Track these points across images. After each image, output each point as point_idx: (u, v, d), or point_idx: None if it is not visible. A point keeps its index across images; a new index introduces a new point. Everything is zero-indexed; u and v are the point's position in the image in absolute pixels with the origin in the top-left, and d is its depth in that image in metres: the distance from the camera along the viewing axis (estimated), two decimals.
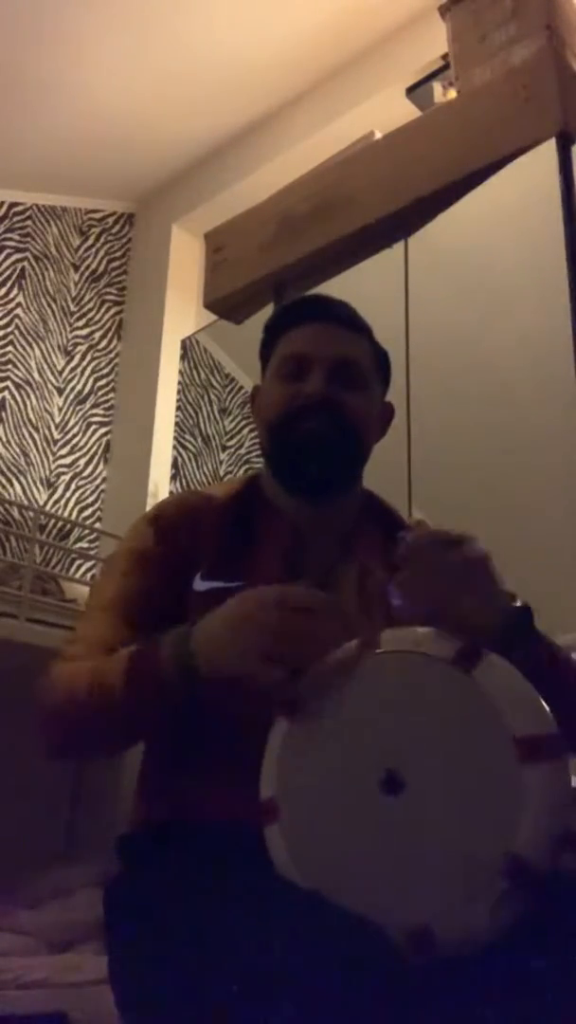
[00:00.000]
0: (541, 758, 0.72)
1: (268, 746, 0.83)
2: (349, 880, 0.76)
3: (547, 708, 0.76)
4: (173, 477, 3.44)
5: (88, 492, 3.53)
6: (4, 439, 3.31)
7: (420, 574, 0.84)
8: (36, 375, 3.48)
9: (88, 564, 3.32)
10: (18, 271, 3.51)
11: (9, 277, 3.48)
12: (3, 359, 3.39)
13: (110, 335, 3.78)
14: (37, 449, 3.41)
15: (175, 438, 3.48)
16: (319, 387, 1.05)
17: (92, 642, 0.98)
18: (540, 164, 2.13)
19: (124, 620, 0.99)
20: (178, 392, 3.57)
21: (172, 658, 0.86)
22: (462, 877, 0.71)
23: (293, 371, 1.07)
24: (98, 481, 3.57)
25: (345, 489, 1.11)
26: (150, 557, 1.04)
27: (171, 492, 3.34)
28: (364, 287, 2.46)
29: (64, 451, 3.50)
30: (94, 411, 3.63)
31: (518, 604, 0.88)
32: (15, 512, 3.24)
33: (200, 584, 1.01)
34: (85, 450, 3.56)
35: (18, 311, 3.48)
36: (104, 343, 3.75)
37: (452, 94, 2.54)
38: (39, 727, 0.95)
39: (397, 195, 2.38)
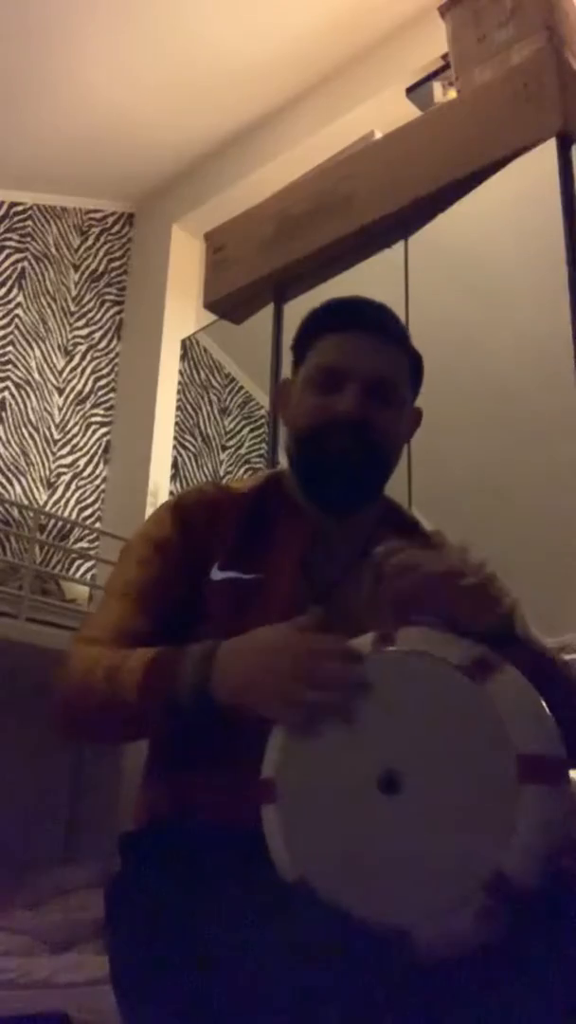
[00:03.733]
0: (542, 779, 0.71)
1: (273, 728, 0.83)
2: (337, 871, 0.76)
3: (558, 730, 0.74)
4: (173, 477, 3.44)
5: (88, 492, 3.53)
6: (4, 439, 3.31)
7: (397, 590, 0.83)
8: (36, 375, 3.48)
9: (88, 564, 3.32)
10: (18, 271, 3.51)
11: (9, 277, 3.48)
12: (3, 359, 3.39)
13: (110, 335, 3.78)
14: (37, 449, 3.41)
15: (175, 438, 3.49)
16: (353, 406, 1.02)
17: (108, 629, 0.98)
18: (540, 164, 2.13)
19: (140, 608, 1.00)
20: (178, 392, 3.57)
21: (190, 680, 0.86)
22: (446, 886, 0.71)
23: (327, 383, 1.04)
24: (98, 481, 3.57)
25: (368, 504, 1.10)
26: (168, 545, 1.03)
27: (171, 492, 3.34)
28: (364, 287, 2.45)
29: (64, 451, 3.50)
30: (94, 411, 3.63)
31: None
32: (15, 512, 3.24)
33: (217, 574, 1.01)
34: (85, 450, 3.56)
35: (18, 311, 3.48)
36: (104, 343, 3.75)
37: (452, 94, 2.55)
38: (53, 707, 0.96)
39: (397, 195, 2.38)
